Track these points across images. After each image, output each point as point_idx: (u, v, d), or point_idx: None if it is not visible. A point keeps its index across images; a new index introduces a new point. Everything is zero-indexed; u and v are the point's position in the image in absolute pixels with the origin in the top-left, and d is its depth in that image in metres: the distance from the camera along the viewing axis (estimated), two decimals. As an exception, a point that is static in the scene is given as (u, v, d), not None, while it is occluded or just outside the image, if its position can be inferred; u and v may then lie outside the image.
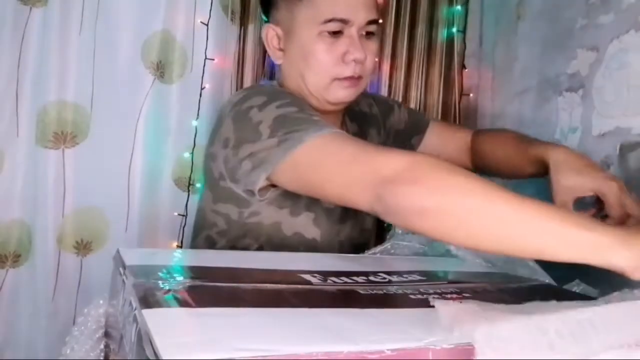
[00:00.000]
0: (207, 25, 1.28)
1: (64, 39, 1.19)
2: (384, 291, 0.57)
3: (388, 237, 0.89)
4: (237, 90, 1.30)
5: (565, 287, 0.72)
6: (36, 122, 1.19)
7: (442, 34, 1.44)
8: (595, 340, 0.43)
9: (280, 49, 0.91)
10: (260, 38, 1.20)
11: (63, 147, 1.21)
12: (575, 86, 1.06)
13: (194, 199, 1.27)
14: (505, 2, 1.33)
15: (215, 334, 0.39)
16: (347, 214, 0.92)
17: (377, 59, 1.36)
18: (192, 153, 1.29)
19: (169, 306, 0.45)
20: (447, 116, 1.45)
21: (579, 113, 1.04)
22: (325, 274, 0.61)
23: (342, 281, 0.59)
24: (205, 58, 1.29)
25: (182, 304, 0.46)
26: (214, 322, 0.42)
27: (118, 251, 0.64)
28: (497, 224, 0.56)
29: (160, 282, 0.51)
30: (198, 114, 1.29)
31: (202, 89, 1.29)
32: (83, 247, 1.24)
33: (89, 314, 0.64)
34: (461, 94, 1.44)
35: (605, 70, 0.98)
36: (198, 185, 1.28)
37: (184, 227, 1.29)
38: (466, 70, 1.45)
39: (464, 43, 1.45)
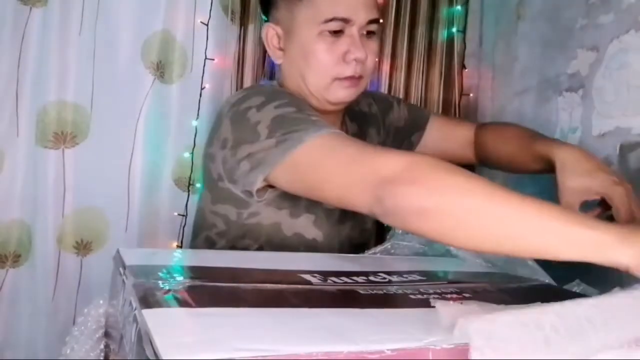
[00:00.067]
0: (207, 25, 1.28)
1: (64, 39, 1.19)
2: (384, 291, 0.57)
3: (388, 237, 0.89)
4: (237, 90, 1.30)
5: (565, 287, 0.72)
6: (36, 122, 1.19)
7: (442, 34, 1.44)
8: (594, 337, 0.42)
9: (280, 49, 0.90)
10: (260, 38, 1.20)
11: (63, 147, 1.21)
12: (575, 86, 1.06)
13: (194, 199, 1.27)
14: (505, 2, 1.33)
15: (215, 334, 0.39)
16: (347, 214, 0.92)
17: (377, 59, 1.36)
18: (192, 153, 1.29)
19: (169, 306, 0.45)
20: (447, 116, 1.44)
21: (579, 113, 1.04)
22: (325, 274, 0.61)
23: (342, 281, 0.59)
24: (205, 58, 1.29)
25: (182, 304, 0.46)
26: (214, 322, 0.42)
27: (118, 251, 0.64)
28: (498, 224, 0.56)
29: (160, 282, 0.51)
30: (198, 114, 1.29)
31: (202, 89, 1.29)
32: (83, 247, 1.24)
33: (89, 314, 0.64)
34: (461, 94, 1.44)
35: (605, 70, 0.98)
36: (198, 185, 1.28)
37: (184, 227, 1.29)
38: (466, 70, 1.45)
39: (464, 43, 1.45)
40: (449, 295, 0.57)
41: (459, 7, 1.43)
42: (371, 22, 0.86)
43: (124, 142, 1.26)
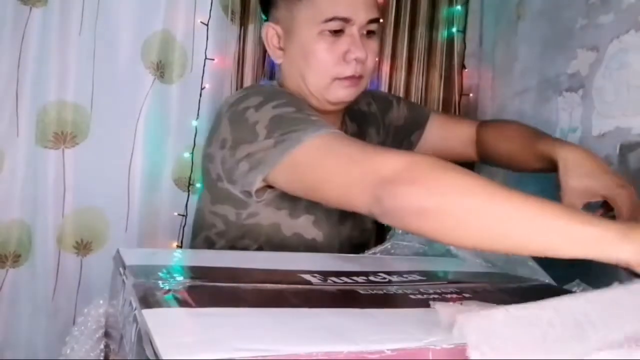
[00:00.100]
0: (207, 25, 1.28)
1: (64, 39, 1.19)
2: (384, 291, 0.57)
3: (388, 237, 0.89)
4: (237, 90, 1.30)
5: (565, 287, 0.72)
6: (36, 122, 1.19)
7: (442, 34, 1.44)
8: (591, 332, 0.42)
9: (280, 48, 0.90)
10: (260, 38, 1.20)
11: (63, 147, 1.21)
12: (575, 86, 1.05)
13: (194, 199, 1.27)
14: (505, 2, 1.33)
15: (215, 334, 0.39)
16: (347, 214, 0.91)
17: (377, 59, 1.36)
18: (192, 153, 1.29)
19: (169, 306, 0.45)
20: (448, 114, 1.44)
21: (579, 113, 1.04)
22: (325, 274, 0.61)
23: (342, 281, 0.59)
24: (205, 58, 1.29)
25: (182, 304, 0.46)
26: (214, 322, 0.42)
27: (118, 251, 0.64)
28: (498, 223, 0.56)
29: (160, 282, 0.51)
30: (198, 114, 1.29)
31: (202, 89, 1.29)
32: (83, 247, 1.24)
33: (89, 314, 0.64)
34: (461, 94, 1.44)
35: (605, 70, 0.98)
36: (198, 185, 1.28)
37: (184, 227, 1.29)
38: (466, 70, 1.45)
39: (464, 43, 1.45)
40: (449, 295, 0.57)
41: (459, 7, 1.44)
42: (371, 21, 0.86)
43: (124, 142, 1.26)
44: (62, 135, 1.21)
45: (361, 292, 0.56)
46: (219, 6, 1.31)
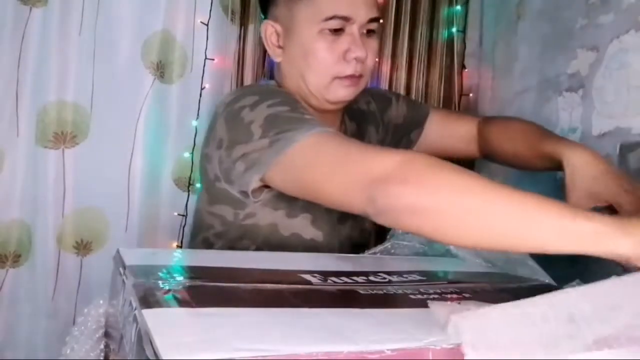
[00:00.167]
0: (207, 25, 1.28)
1: (64, 39, 1.19)
2: (384, 291, 0.57)
3: (388, 237, 0.89)
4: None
5: (565, 287, 0.72)
6: (36, 122, 1.19)
7: (442, 34, 1.44)
8: (584, 326, 0.42)
9: (279, 46, 0.90)
10: (260, 38, 1.20)
11: (63, 147, 1.21)
12: (575, 86, 1.05)
13: (194, 199, 1.26)
14: (505, 2, 1.33)
15: (215, 334, 0.39)
16: (347, 214, 0.91)
17: (377, 59, 1.36)
18: (192, 153, 1.29)
19: (169, 306, 0.45)
20: (449, 110, 1.44)
21: (579, 113, 1.04)
22: (325, 274, 0.61)
23: (342, 281, 0.59)
24: (205, 58, 1.29)
25: (182, 304, 0.46)
26: (214, 322, 0.42)
27: (118, 251, 0.64)
28: (493, 221, 0.55)
29: (160, 282, 0.51)
30: (198, 114, 1.29)
31: (202, 89, 1.29)
32: (83, 247, 1.24)
33: (89, 314, 0.64)
34: (461, 94, 1.44)
35: (605, 70, 0.98)
36: (198, 185, 1.28)
37: (184, 227, 1.29)
38: (466, 70, 1.45)
39: (464, 43, 1.45)
40: (448, 295, 0.57)
41: (459, 7, 1.44)
42: (371, 20, 0.86)
43: (124, 142, 1.26)
44: (62, 135, 1.21)
45: (361, 292, 0.56)
46: (219, 6, 1.31)
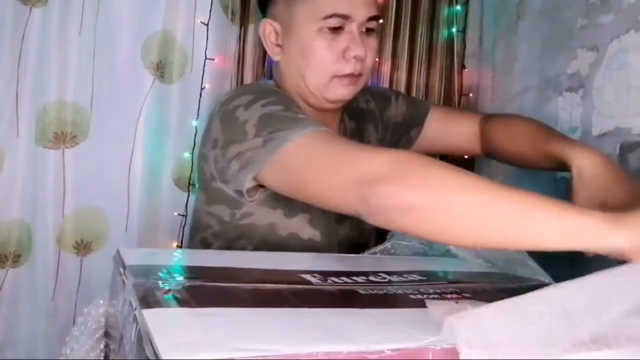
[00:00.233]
0: (207, 25, 1.28)
1: (64, 39, 1.19)
2: (384, 291, 0.57)
3: (388, 237, 0.89)
4: (235, 89, 1.30)
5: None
6: (36, 122, 1.19)
7: (442, 34, 1.44)
8: (578, 320, 0.42)
9: (278, 45, 0.90)
10: (260, 38, 1.20)
11: (63, 147, 1.21)
12: (575, 86, 1.05)
13: (194, 199, 1.27)
14: (505, 2, 1.33)
15: (215, 334, 0.39)
16: (344, 214, 0.91)
17: (377, 59, 1.36)
18: (192, 153, 1.29)
19: (169, 306, 0.45)
20: (450, 107, 1.43)
21: (579, 113, 1.04)
22: (325, 274, 0.61)
23: (342, 281, 0.59)
24: (205, 58, 1.29)
25: (182, 304, 0.46)
26: (214, 322, 0.42)
27: (118, 251, 0.64)
28: (487, 219, 0.55)
29: (160, 282, 0.51)
30: (198, 114, 1.29)
31: (202, 89, 1.29)
32: (83, 247, 1.24)
33: (89, 314, 0.64)
34: (461, 94, 1.44)
35: (605, 70, 0.98)
36: (197, 185, 1.28)
37: (183, 227, 1.29)
38: (466, 70, 1.45)
39: (464, 43, 1.45)
40: (448, 296, 0.57)
41: (459, 7, 1.43)
42: (371, 19, 0.86)
43: (124, 142, 1.26)
44: (62, 135, 1.21)
45: (361, 292, 0.56)
46: (219, 6, 1.30)
